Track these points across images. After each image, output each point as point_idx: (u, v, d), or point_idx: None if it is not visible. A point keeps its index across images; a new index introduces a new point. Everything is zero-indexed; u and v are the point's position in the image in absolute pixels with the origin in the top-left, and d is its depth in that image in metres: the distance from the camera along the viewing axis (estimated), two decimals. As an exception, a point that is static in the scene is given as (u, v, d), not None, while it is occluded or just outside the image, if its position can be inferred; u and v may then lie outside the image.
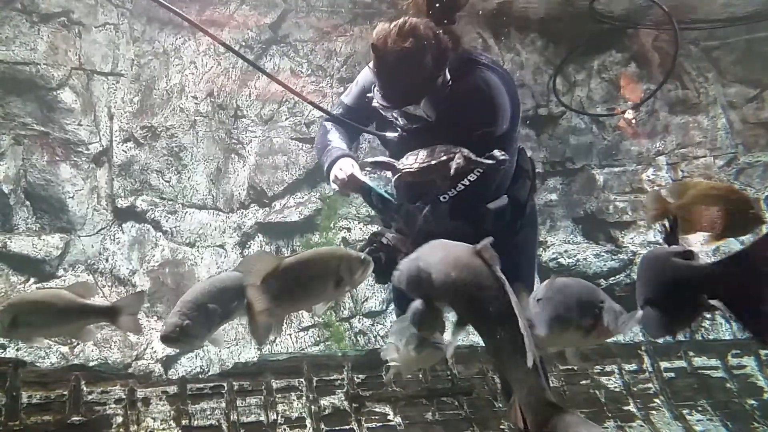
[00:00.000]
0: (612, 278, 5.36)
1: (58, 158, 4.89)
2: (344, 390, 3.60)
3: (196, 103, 5.20)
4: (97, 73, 5.03)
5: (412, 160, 2.49)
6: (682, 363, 4.51)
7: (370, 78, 2.69)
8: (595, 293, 2.15)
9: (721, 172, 5.74)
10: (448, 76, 2.53)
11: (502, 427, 3.81)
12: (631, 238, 5.56)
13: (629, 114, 5.63)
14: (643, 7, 5.20)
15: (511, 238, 2.84)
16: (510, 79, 2.70)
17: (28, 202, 4.88)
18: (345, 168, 2.64)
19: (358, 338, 5.12)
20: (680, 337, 5.31)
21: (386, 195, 2.60)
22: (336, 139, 2.80)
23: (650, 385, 4.34)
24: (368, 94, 2.67)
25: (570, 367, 4.11)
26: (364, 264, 2.10)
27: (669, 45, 5.55)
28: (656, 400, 4.30)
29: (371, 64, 2.48)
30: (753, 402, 4.42)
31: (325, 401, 3.52)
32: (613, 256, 5.39)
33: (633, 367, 4.38)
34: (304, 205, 5.24)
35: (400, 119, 2.57)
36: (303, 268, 2.05)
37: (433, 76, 2.48)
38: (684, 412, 4.25)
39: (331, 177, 2.68)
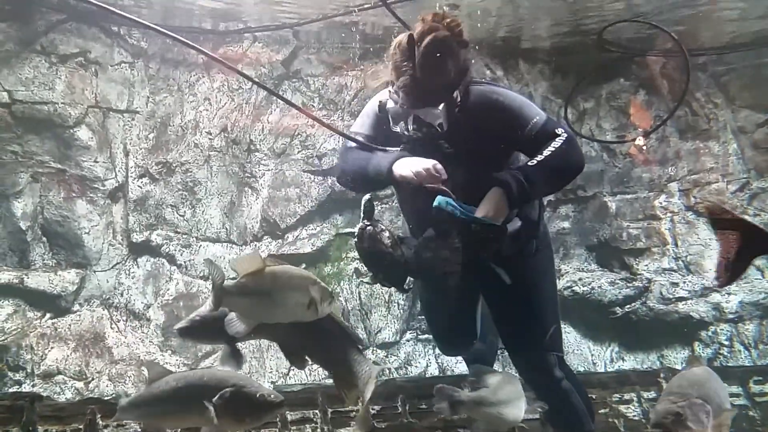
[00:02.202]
0: (627, 306, 5.31)
1: (74, 195, 4.98)
2: (360, 421, 3.56)
3: (210, 139, 5.29)
4: (112, 110, 5.14)
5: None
6: (702, 390, 4.42)
7: (377, 105, 2.75)
8: None
9: (734, 197, 5.71)
10: (458, 98, 2.58)
11: (519, 459, 3.74)
12: (646, 265, 5.52)
13: (640, 141, 5.64)
14: (651, 35, 5.26)
15: (528, 260, 2.85)
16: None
17: (44, 238, 4.94)
18: (424, 162, 2.54)
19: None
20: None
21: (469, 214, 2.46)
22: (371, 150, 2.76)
23: (670, 413, 4.26)
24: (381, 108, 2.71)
25: (588, 396, 4.04)
26: (332, 297, 2.16)
27: (677, 72, 5.59)
28: (677, 429, 4.21)
29: (397, 59, 2.51)
30: (777, 430, 4.33)
31: (340, 433, 3.49)
32: (628, 284, 5.35)
33: (652, 394, 4.30)
34: (317, 237, 5.27)
35: (410, 126, 2.57)
36: (281, 278, 2.08)
37: (454, 83, 2.54)
38: (706, 441, 4.16)
39: (410, 170, 2.53)
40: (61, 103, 4.92)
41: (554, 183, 2.63)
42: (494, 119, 2.58)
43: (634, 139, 5.65)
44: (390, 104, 2.62)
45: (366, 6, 4.58)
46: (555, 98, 5.70)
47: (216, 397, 2.03)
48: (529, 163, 2.48)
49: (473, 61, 2.71)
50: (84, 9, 4.93)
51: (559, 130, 2.52)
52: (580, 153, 2.59)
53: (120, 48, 5.18)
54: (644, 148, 5.72)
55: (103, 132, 5.09)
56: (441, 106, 2.52)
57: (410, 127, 2.58)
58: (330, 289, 2.18)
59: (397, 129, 2.63)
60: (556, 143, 2.48)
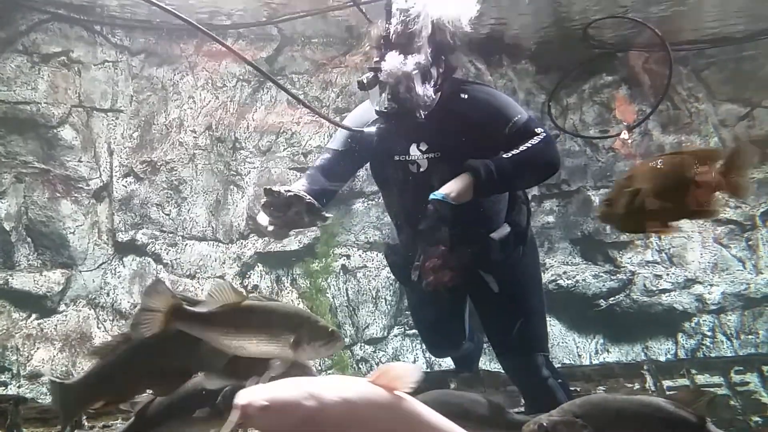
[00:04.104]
0: (612, 298, 5.37)
1: (59, 195, 4.96)
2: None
3: (194, 137, 5.28)
4: (96, 110, 5.12)
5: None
6: (684, 381, 4.49)
7: (360, 113, 2.78)
8: None
9: (716, 189, 5.77)
10: (439, 79, 2.62)
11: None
12: (629, 258, 5.58)
13: (624, 135, 5.68)
14: (634, 30, 5.29)
15: (515, 264, 2.89)
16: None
17: (29, 239, 4.93)
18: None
19: (360, 366, 5.12)
20: (682, 355, 5.33)
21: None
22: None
23: (653, 404, 4.32)
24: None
25: (573, 388, 4.10)
26: (331, 337, 2.05)
27: (659, 66, 5.63)
28: (660, 420, 4.26)
29: (375, 30, 2.60)
30: (758, 419, 4.39)
31: None
32: (612, 277, 5.41)
33: (635, 386, 4.36)
34: (303, 234, 5.27)
35: (387, 99, 2.58)
36: (262, 314, 2.04)
37: (428, 53, 2.57)
38: (688, 430, 4.22)
39: None
40: (45, 102, 4.90)
41: (526, 179, 2.67)
42: (478, 117, 2.62)
43: (618, 134, 5.70)
44: (367, 77, 2.63)
45: (348, 4, 4.57)
46: (538, 93, 5.74)
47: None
48: (503, 155, 2.51)
49: (459, 56, 2.74)
50: (65, 8, 4.92)
51: (539, 130, 2.57)
52: (556, 153, 2.63)
53: (103, 47, 5.16)
54: (629, 141, 5.77)
55: (87, 131, 5.07)
56: (411, 62, 2.51)
57: (386, 101, 2.59)
58: (330, 329, 2.06)
59: (376, 106, 2.65)
60: (534, 141, 2.52)
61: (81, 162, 5.00)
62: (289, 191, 2.48)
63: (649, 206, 2.08)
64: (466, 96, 2.66)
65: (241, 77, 5.35)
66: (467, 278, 2.78)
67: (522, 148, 2.50)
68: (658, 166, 2.13)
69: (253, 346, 2.03)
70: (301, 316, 2.08)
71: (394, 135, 2.69)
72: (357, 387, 1.55)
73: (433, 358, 5.10)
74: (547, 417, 2.11)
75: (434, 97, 2.62)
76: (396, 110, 2.57)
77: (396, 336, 5.31)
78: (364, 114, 2.86)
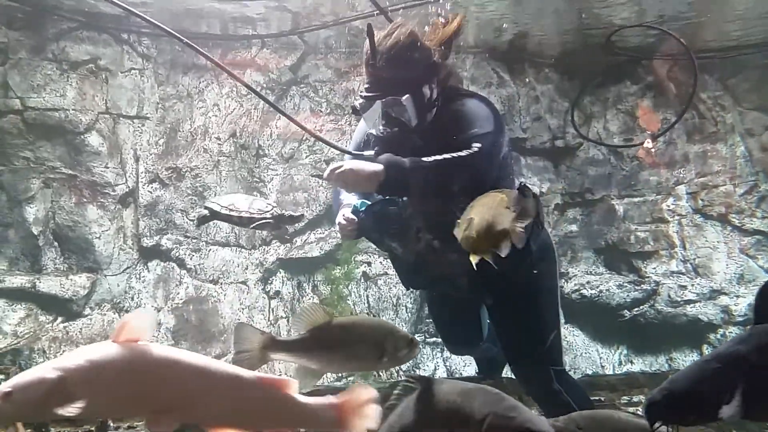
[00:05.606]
0: (636, 309, 5.31)
1: (85, 200, 5.03)
2: (368, 423, 3.57)
3: (219, 144, 5.33)
4: (123, 116, 5.20)
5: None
6: (711, 393, 4.41)
7: (362, 129, 2.80)
8: None
9: (742, 200, 5.70)
10: (434, 95, 2.62)
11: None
12: (654, 268, 5.52)
13: (649, 143, 5.64)
14: (659, 38, 5.26)
15: (525, 276, 2.83)
16: (493, 105, 2.78)
17: (56, 243, 5.00)
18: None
19: (380, 373, 5.10)
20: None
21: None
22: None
23: (679, 415, 4.25)
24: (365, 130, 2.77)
25: (597, 398, 4.05)
26: (411, 344, 2.14)
27: (684, 74, 5.59)
28: (686, 432, 4.19)
29: (364, 56, 2.58)
30: (786, 433, 4.31)
31: (349, 435, 3.50)
32: (636, 287, 5.35)
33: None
34: (325, 240, 5.30)
35: (380, 122, 2.60)
36: (350, 331, 2.12)
37: (418, 77, 2.57)
38: (715, 444, 4.15)
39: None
40: (72, 109, 4.99)
41: (438, 186, 2.57)
42: (452, 128, 2.59)
43: (642, 143, 5.65)
44: (360, 102, 2.64)
45: (370, 12, 4.60)
46: (562, 101, 5.72)
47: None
48: (424, 159, 2.48)
49: (452, 64, 2.74)
50: (94, 16, 5.00)
51: (475, 145, 2.49)
52: (477, 170, 2.53)
53: (130, 55, 5.24)
54: (653, 150, 5.72)
55: (113, 138, 5.14)
56: (405, 97, 2.53)
57: (380, 125, 2.61)
58: (409, 337, 2.16)
59: (373, 131, 2.67)
60: (462, 153, 2.47)
61: (107, 168, 5.07)
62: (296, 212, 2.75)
63: (459, 234, 2.22)
64: (451, 105, 2.65)
65: (265, 85, 5.40)
66: (473, 286, 2.77)
67: (447, 156, 2.46)
68: (483, 201, 2.25)
69: (344, 362, 2.16)
70: (384, 328, 2.16)
71: (391, 151, 2.70)
72: (99, 349, 1.59)
73: (454, 366, 5.08)
74: (553, 421, 2.12)
75: (430, 113, 2.62)
76: (391, 134, 2.61)
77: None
78: (359, 134, 2.92)
